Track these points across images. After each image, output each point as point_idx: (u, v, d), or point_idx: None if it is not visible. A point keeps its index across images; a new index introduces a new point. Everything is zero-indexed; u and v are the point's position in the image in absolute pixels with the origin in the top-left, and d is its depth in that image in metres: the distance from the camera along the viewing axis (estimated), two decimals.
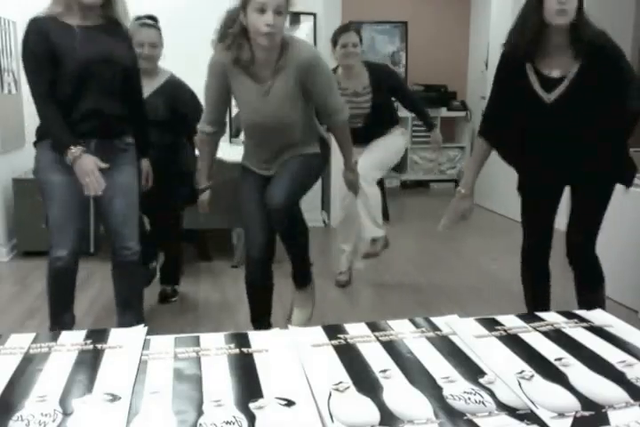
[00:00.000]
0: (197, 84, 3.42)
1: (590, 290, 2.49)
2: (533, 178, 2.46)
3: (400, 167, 5.28)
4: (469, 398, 0.84)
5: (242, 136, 2.61)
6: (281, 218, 2.34)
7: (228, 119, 4.91)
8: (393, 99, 3.52)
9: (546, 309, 2.53)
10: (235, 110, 4.92)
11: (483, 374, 0.92)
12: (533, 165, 2.41)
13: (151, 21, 3.09)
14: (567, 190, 2.51)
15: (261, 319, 2.61)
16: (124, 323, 2.51)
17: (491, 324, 1.11)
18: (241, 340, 1.05)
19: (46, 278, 2.49)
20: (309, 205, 2.68)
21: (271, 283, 2.61)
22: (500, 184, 5.64)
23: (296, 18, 4.82)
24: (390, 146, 3.47)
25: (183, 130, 3.35)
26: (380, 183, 4.74)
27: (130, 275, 2.59)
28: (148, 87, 3.07)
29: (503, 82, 2.39)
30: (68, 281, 2.50)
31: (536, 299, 2.58)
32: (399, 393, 0.86)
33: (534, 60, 2.27)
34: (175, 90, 3.24)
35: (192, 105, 3.32)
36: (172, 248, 3.43)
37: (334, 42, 3.29)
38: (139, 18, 3.03)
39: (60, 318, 2.50)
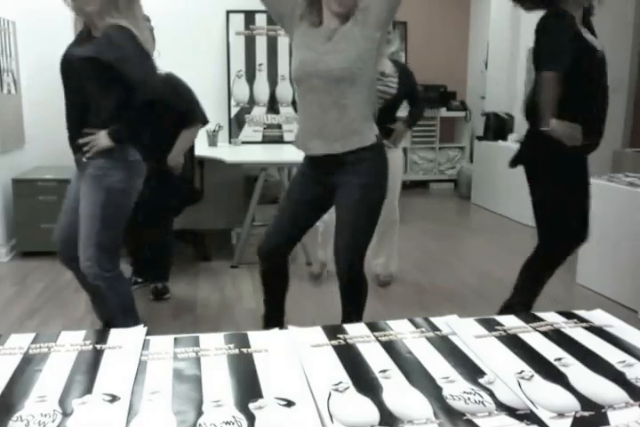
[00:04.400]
0: (195, 85, 3.46)
1: None
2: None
3: None
4: (469, 399, 0.84)
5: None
6: (351, 278, 2.33)
7: (228, 120, 4.94)
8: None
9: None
10: (234, 110, 4.98)
11: (482, 374, 0.92)
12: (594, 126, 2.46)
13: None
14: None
15: (272, 318, 2.50)
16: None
17: (490, 324, 1.11)
18: (240, 340, 1.05)
19: (127, 301, 2.49)
20: None
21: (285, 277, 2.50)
22: (501, 185, 5.64)
23: None
24: (399, 173, 3.55)
25: (178, 126, 3.38)
26: None
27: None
28: None
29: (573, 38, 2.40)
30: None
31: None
32: (399, 393, 0.86)
33: None
34: (173, 85, 3.26)
35: (186, 96, 3.34)
36: (157, 242, 3.44)
37: None
38: None
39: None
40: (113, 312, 2.51)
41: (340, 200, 2.27)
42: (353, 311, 2.40)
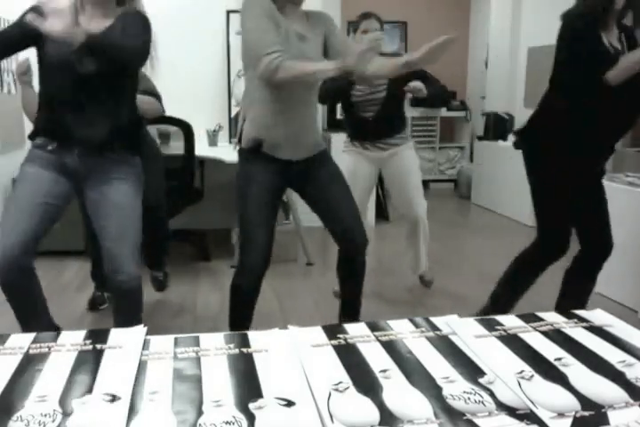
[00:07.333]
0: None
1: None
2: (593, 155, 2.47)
3: None
4: (469, 398, 0.84)
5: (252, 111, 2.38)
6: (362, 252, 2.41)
7: (228, 120, 4.94)
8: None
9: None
10: (234, 110, 4.97)
11: (482, 374, 0.92)
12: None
13: None
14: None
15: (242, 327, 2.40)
16: None
17: (491, 324, 1.11)
18: (240, 340, 1.05)
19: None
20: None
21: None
22: (501, 185, 5.65)
23: None
24: (414, 170, 3.47)
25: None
26: (380, 183, 4.75)
27: (130, 303, 2.22)
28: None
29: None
30: (19, 294, 2.11)
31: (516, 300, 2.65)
32: (399, 393, 0.86)
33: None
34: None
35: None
36: (156, 230, 3.40)
37: (355, 29, 3.29)
38: None
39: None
40: (138, 318, 2.26)
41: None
42: (356, 290, 2.46)
